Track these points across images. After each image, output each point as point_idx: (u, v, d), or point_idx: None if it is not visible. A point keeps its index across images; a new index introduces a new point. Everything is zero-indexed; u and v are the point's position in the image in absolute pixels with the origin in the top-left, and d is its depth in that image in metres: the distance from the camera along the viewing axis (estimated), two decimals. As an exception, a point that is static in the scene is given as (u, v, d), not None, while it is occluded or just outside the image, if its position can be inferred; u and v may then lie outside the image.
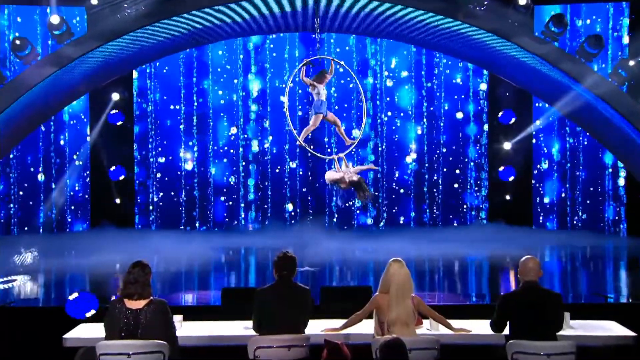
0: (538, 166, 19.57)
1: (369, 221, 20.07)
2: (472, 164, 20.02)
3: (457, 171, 20.03)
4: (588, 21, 17.99)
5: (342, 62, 9.29)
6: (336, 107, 19.16)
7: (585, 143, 18.88)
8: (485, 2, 13.64)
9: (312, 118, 9.36)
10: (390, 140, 20.03)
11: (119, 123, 19.04)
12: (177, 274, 13.45)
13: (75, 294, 8.07)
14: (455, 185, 19.98)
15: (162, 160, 19.79)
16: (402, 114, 19.97)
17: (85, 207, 19.40)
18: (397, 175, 20.07)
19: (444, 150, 20.00)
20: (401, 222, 19.97)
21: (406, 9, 14.00)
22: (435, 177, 20.03)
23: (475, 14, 13.82)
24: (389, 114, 20.02)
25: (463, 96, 19.92)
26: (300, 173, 19.94)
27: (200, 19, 14.72)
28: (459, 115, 19.92)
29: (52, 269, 13.57)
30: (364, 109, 10.13)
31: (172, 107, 19.78)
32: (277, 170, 19.87)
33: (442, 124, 19.96)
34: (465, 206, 19.99)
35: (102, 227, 18.51)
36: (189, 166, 19.75)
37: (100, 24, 13.98)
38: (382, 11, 14.35)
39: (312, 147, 9.62)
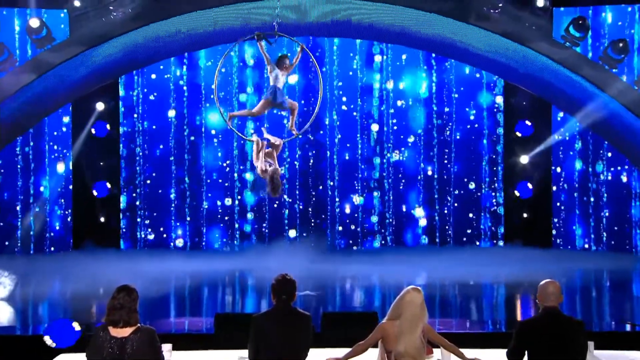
0: (560, 184, 19.54)
1: (376, 242, 20.05)
2: (486, 179, 20.02)
3: (471, 185, 20.05)
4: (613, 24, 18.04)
5: (298, 43, 9.38)
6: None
7: (609, 155, 18.88)
8: (500, 5, 13.69)
9: (260, 103, 9.49)
10: (397, 143, 20.08)
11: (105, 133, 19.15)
12: (166, 298, 13.41)
13: (71, 324, 8.03)
14: (471, 186, 19.99)
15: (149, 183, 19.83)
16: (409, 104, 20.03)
17: (66, 226, 19.37)
18: (404, 197, 20.09)
19: (456, 168, 20.02)
20: (409, 242, 19.98)
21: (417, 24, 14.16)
22: (447, 197, 20.02)
23: (488, 16, 13.88)
24: (399, 101, 20.09)
25: (474, 112, 19.97)
26: (300, 207, 20.01)
27: (193, 23, 14.77)
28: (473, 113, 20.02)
29: (29, 294, 13.52)
30: (318, 100, 10.05)
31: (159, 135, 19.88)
32: (276, 205, 19.94)
33: (454, 139, 19.99)
34: (479, 224, 19.98)
35: (84, 248, 18.48)
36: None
37: (84, 27, 14.03)
38: (386, 22, 14.53)
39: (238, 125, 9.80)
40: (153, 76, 19.63)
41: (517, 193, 19.19)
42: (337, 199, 20.01)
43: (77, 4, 13.87)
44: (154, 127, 19.78)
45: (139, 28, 14.19)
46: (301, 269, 14.41)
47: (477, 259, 17.51)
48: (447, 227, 20.03)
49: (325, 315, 8.66)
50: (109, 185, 19.32)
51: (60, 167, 19.11)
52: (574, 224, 19.42)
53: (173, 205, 19.82)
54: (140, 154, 19.73)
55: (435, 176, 20.01)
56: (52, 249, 19.04)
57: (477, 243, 19.92)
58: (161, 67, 19.61)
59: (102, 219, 19.43)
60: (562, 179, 19.44)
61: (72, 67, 14.60)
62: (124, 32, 14.17)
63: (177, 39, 15.46)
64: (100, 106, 19.10)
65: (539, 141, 19.20)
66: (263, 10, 14.52)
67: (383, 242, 20.03)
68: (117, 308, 5.63)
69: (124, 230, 19.74)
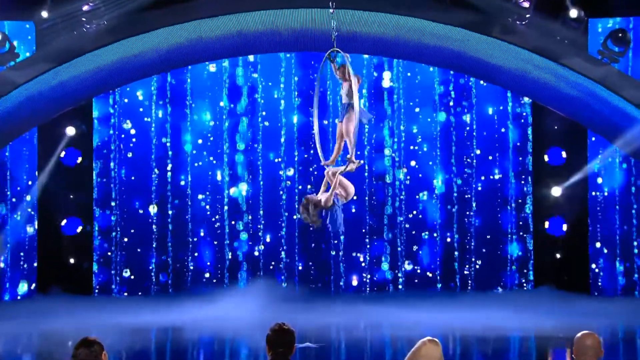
0: (598, 219, 19.50)
1: (386, 284, 19.99)
2: (512, 211, 19.98)
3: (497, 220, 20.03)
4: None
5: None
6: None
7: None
8: (528, 16, 13.77)
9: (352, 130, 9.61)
10: (413, 178, 20.08)
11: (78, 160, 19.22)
12: (145, 353, 13.38)
13: None
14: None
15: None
16: (423, 150, 20.06)
17: (30, 268, 19.31)
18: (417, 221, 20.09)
19: (479, 191, 20.01)
20: (425, 284, 19.93)
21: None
22: (467, 228, 19.99)
23: (514, 29, 13.96)
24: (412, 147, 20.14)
25: (503, 129, 19.97)
26: (300, 268, 19.99)
27: (175, 36, 14.86)
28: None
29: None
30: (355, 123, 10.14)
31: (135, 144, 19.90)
32: (272, 267, 19.91)
33: (474, 162, 20.02)
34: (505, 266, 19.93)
35: (51, 293, 18.41)
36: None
37: (53, 42, 14.11)
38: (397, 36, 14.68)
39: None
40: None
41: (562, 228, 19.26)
42: (342, 266, 20.00)
43: (44, 15, 13.95)
44: (132, 178, 19.81)
45: (115, 42, 14.26)
46: (300, 318, 14.38)
47: (502, 305, 17.44)
48: (467, 268, 19.96)
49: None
50: (80, 224, 19.34)
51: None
52: (615, 265, 19.34)
53: (154, 243, 19.79)
54: (117, 186, 19.74)
55: (454, 211, 20.00)
56: (13, 295, 18.99)
57: (502, 287, 19.83)
58: (141, 109, 19.76)
59: (72, 261, 19.38)
60: (600, 213, 19.38)
61: (39, 86, 14.65)
62: (97, 47, 14.24)
63: (158, 55, 15.55)
64: (70, 131, 19.15)
65: (573, 170, 19.18)
66: (256, 20, 14.65)
67: (394, 286, 19.96)
68: (77, 367, 5.55)
69: (96, 273, 19.67)
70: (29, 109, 14.97)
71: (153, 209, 19.73)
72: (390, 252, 19.93)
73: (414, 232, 19.98)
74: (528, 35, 14.01)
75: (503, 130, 19.89)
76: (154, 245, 19.75)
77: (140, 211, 19.76)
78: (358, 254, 19.98)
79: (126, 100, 19.65)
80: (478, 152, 19.93)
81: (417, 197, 20.00)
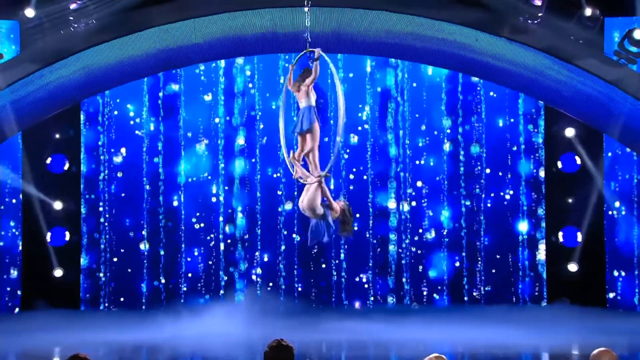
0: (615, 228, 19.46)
1: (390, 299, 19.94)
2: (524, 222, 19.96)
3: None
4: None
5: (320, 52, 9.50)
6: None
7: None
8: (540, 14, 13.76)
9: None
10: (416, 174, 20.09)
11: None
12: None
13: None
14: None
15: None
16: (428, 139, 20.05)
17: (12, 282, 19.26)
18: (426, 234, 20.05)
19: (488, 204, 19.99)
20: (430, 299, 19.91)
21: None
22: (477, 240, 19.98)
23: (525, 28, 13.95)
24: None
25: (515, 148, 19.92)
26: (300, 289, 19.90)
27: (170, 36, 14.86)
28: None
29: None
30: (340, 118, 9.86)
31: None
32: (269, 287, 19.83)
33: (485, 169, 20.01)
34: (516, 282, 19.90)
35: (35, 309, 18.35)
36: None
37: (39, 42, 14.09)
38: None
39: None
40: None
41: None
42: (343, 288, 19.96)
43: (29, 13, 13.92)
44: (122, 194, 19.79)
45: (104, 42, 14.25)
46: (300, 334, 14.34)
47: (514, 321, 17.40)
48: (477, 281, 19.91)
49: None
50: (67, 232, 19.30)
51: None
52: (635, 277, 19.29)
53: (145, 254, 19.75)
54: (106, 196, 19.72)
55: (463, 225, 19.97)
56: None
57: (515, 302, 19.78)
58: (132, 122, 19.76)
59: (58, 273, 19.32)
60: (617, 221, 19.34)
61: (24, 89, 14.63)
62: (86, 47, 14.23)
63: (149, 56, 15.54)
64: (57, 137, 19.16)
65: (587, 178, 19.15)
66: (255, 19, 14.65)
67: (397, 300, 19.92)
68: (67, 385, 5.55)
69: (84, 287, 19.62)
70: (13, 112, 14.95)
71: (144, 246, 19.68)
72: (396, 269, 19.90)
73: (419, 252, 19.94)
74: (540, 35, 13.99)
75: (515, 148, 19.88)
76: (144, 265, 19.71)
77: (131, 233, 19.71)
78: (361, 275, 19.90)
79: (116, 113, 19.64)
80: (488, 171, 19.94)
81: (425, 214, 20.03)
